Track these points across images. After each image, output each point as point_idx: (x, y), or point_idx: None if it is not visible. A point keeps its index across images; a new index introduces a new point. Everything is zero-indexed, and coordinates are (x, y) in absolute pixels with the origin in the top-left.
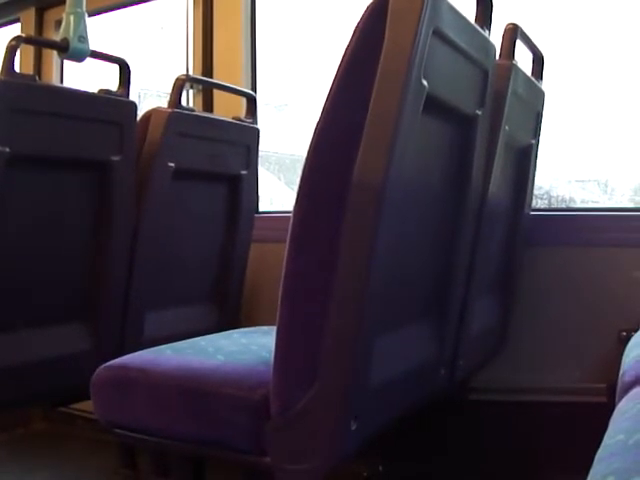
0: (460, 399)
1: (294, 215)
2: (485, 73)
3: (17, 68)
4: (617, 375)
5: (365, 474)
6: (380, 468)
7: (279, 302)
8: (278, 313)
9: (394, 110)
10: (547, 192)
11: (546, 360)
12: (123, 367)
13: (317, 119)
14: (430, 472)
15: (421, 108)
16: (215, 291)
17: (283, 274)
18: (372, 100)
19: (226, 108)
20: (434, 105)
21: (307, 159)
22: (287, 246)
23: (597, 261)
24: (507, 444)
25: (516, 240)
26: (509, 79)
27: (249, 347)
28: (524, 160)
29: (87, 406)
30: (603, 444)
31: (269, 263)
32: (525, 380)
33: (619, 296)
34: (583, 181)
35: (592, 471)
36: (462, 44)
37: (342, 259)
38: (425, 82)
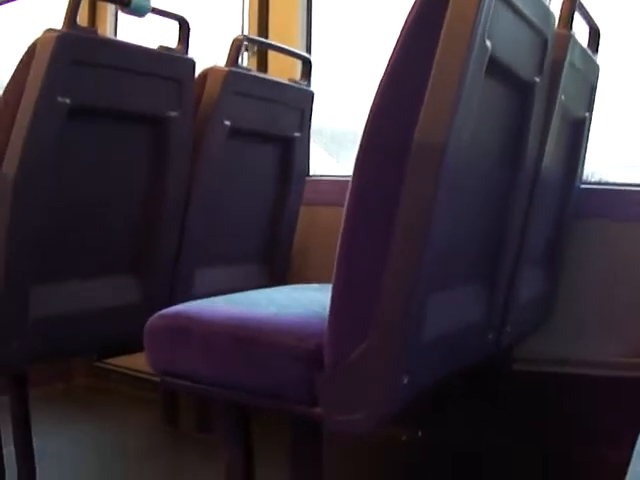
0: (504, 368)
1: (355, 167)
2: (545, 41)
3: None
4: None
5: (404, 438)
6: (419, 433)
7: (337, 253)
8: (335, 266)
9: (458, 69)
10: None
11: (591, 333)
12: (177, 315)
13: (380, 78)
14: (469, 441)
15: (484, 69)
16: (264, 251)
17: (343, 226)
18: (436, 59)
19: (280, 71)
20: (496, 68)
21: (369, 117)
22: (346, 202)
23: None
24: (549, 416)
25: (566, 212)
26: (567, 49)
27: (301, 301)
28: (577, 133)
29: (129, 362)
30: None
31: (319, 226)
32: (569, 352)
33: None
34: (631, 167)
35: None
36: (524, 10)
37: (401, 217)
38: (489, 43)
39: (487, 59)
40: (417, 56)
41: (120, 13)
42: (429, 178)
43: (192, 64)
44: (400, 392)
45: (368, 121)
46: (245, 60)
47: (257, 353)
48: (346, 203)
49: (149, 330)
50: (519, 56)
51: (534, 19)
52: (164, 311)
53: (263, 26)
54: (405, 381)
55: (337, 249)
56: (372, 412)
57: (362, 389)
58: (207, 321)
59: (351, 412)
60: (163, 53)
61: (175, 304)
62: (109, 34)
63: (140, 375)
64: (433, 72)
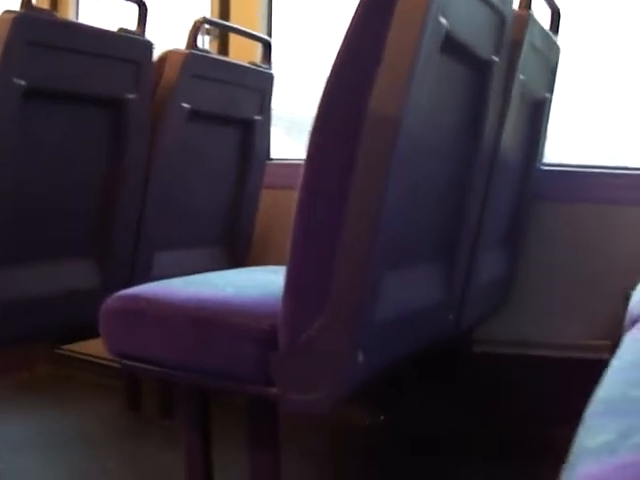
0: (464, 351)
1: (310, 142)
2: (502, 20)
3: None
4: (622, 333)
5: (367, 422)
6: (382, 417)
7: (291, 234)
8: (289, 244)
9: (412, 45)
10: None
11: (551, 316)
12: (133, 296)
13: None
14: (432, 423)
15: (439, 46)
16: (225, 234)
17: (296, 205)
18: (390, 35)
19: (242, 54)
20: (452, 45)
21: (325, 88)
22: (301, 177)
23: (606, 219)
24: (509, 397)
25: (526, 194)
26: (525, 29)
27: (259, 281)
28: (538, 114)
29: (92, 349)
30: (611, 365)
31: (279, 209)
32: (529, 334)
33: (627, 255)
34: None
35: (601, 385)
36: None
37: (354, 192)
38: (444, 20)
39: (442, 36)
40: (372, 32)
41: None
42: (383, 153)
43: (150, 46)
44: (355, 371)
45: (322, 97)
46: (207, 44)
47: (212, 334)
48: (300, 181)
49: (104, 312)
50: (476, 35)
51: None
52: (120, 293)
53: (225, 9)
54: (360, 360)
55: (291, 228)
56: (327, 391)
57: (317, 368)
58: (162, 302)
59: (306, 392)
60: (121, 35)
61: (134, 287)
62: (71, 17)
63: (103, 362)
64: (387, 48)
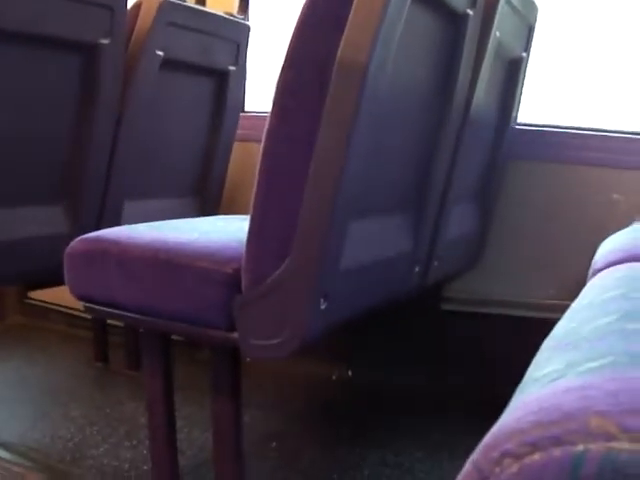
0: (434, 308)
1: (277, 87)
2: None
3: None
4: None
5: (334, 377)
6: (349, 373)
7: (256, 179)
8: (254, 188)
9: None
10: None
11: (521, 275)
12: (97, 239)
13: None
14: (398, 379)
15: None
16: (196, 185)
17: (261, 150)
18: None
19: (219, 4)
20: None
21: (292, 35)
22: (267, 122)
23: (579, 180)
24: (477, 356)
25: (500, 152)
26: None
27: (225, 228)
28: (513, 72)
29: (63, 299)
30: (570, 307)
31: (252, 162)
32: (499, 294)
33: (598, 216)
34: None
35: (557, 325)
36: None
37: (321, 137)
38: None
39: None
40: None
41: None
42: (349, 101)
43: None
44: (318, 317)
45: (290, 43)
46: None
47: (175, 277)
48: (265, 126)
49: (68, 255)
50: None
51: None
52: (84, 236)
53: None
54: (323, 306)
55: (256, 173)
56: (288, 337)
57: (278, 313)
58: (125, 245)
59: (268, 337)
60: None
61: None
62: None
63: (74, 312)
64: None
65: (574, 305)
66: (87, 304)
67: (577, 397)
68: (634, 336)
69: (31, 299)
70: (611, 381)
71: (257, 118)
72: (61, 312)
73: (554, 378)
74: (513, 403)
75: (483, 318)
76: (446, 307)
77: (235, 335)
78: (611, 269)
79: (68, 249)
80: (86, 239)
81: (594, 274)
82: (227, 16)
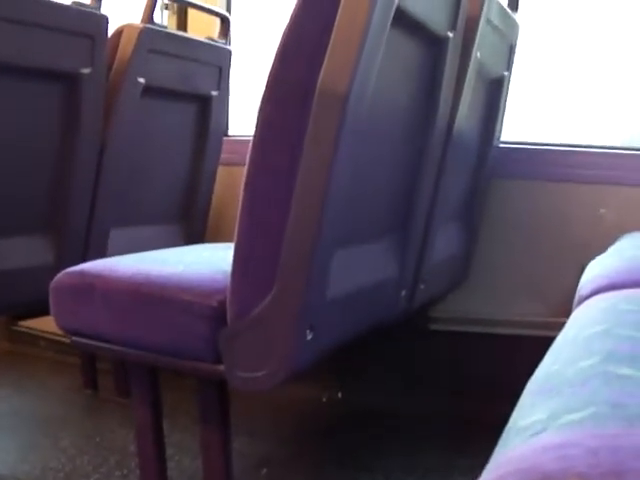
0: (422, 329)
1: (258, 120)
2: None
3: None
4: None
5: (324, 399)
6: (339, 395)
7: (239, 209)
8: (238, 220)
9: (362, 20)
10: None
11: (509, 293)
12: (82, 272)
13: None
14: (389, 402)
15: (390, 21)
16: (181, 212)
17: (244, 181)
18: (340, 8)
19: (200, 30)
20: (404, 20)
21: (273, 65)
22: (249, 154)
23: (564, 196)
24: (466, 376)
25: (483, 171)
26: (482, 5)
27: (210, 259)
28: (495, 91)
29: (51, 327)
30: (555, 342)
31: (236, 186)
32: (487, 312)
33: (584, 232)
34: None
35: (541, 363)
36: None
37: (302, 167)
38: None
39: (393, 10)
40: (321, 6)
41: None
42: (331, 127)
43: (105, 20)
44: (304, 349)
45: (270, 72)
46: (165, 19)
47: (160, 311)
48: (248, 156)
49: (54, 289)
50: (430, 10)
51: None
52: (69, 269)
53: None
54: (309, 337)
55: (239, 204)
56: (275, 369)
57: (264, 346)
58: (110, 278)
59: (254, 369)
60: (75, 8)
61: None
62: None
63: (62, 339)
64: (337, 22)
65: (559, 339)
66: (74, 337)
67: (557, 457)
68: (616, 382)
69: (19, 326)
70: (592, 438)
71: (241, 142)
72: (49, 339)
73: (536, 431)
74: (495, 457)
75: (471, 337)
76: (434, 327)
77: (221, 367)
78: (595, 299)
79: (53, 283)
80: (71, 273)
81: (580, 301)
82: (208, 41)
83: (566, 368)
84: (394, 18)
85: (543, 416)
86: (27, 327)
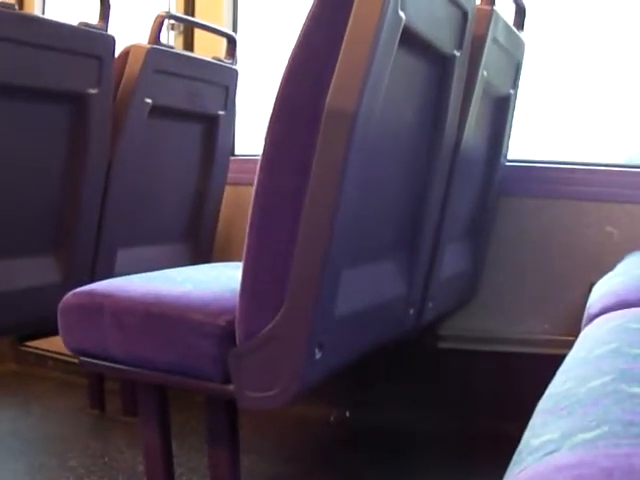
0: (430, 347)
1: (265, 140)
2: (464, 15)
3: None
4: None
5: (332, 418)
6: (347, 414)
7: (247, 229)
8: (246, 240)
9: (370, 40)
10: None
11: (517, 311)
12: (91, 293)
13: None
14: (397, 420)
15: (397, 40)
16: (188, 231)
17: (252, 202)
18: (348, 28)
19: (206, 49)
20: (411, 40)
21: (280, 86)
22: (257, 174)
23: (571, 214)
24: (475, 394)
25: (491, 189)
26: (489, 24)
27: (218, 278)
28: (502, 110)
29: (57, 347)
30: (565, 361)
31: (243, 206)
32: (495, 330)
33: (591, 249)
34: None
35: (552, 381)
36: None
37: (311, 187)
38: (402, 14)
39: (401, 30)
40: (329, 26)
41: None
42: (338, 150)
43: (112, 40)
44: (313, 368)
45: (278, 93)
46: (172, 39)
47: (169, 331)
48: (256, 177)
49: (62, 309)
50: (437, 29)
51: None
52: (78, 290)
53: (189, 4)
54: (318, 356)
55: (247, 224)
56: (284, 388)
57: (273, 365)
58: (119, 298)
59: (263, 388)
60: (82, 29)
61: None
62: (37, 11)
63: (69, 359)
64: (345, 41)
65: (569, 358)
66: (82, 358)
67: (571, 476)
68: (628, 401)
69: (25, 346)
70: (605, 457)
71: (247, 161)
72: (56, 359)
73: (549, 451)
74: (508, 477)
75: (479, 355)
76: (442, 345)
77: (231, 387)
78: (604, 317)
79: (62, 303)
80: (80, 293)
81: (589, 319)
82: (215, 61)
83: (577, 387)
84: (401, 38)
85: (556, 435)
86: (34, 347)
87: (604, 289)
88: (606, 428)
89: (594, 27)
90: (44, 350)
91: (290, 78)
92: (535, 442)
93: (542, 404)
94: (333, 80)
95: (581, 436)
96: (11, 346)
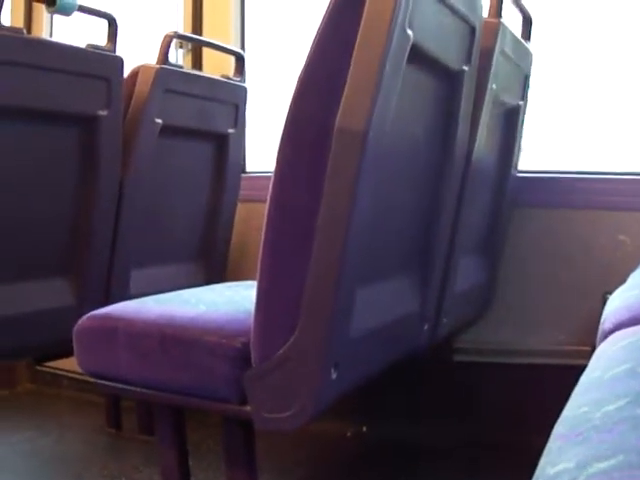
0: (445, 360)
1: (277, 160)
2: (472, 29)
3: (8, 23)
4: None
5: (349, 434)
6: (364, 429)
7: (260, 249)
8: (260, 261)
9: (378, 58)
10: None
11: (531, 322)
12: (106, 316)
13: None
14: (414, 434)
15: (405, 58)
16: (201, 250)
17: (265, 221)
18: (356, 48)
19: (215, 68)
20: (420, 57)
21: (291, 104)
22: (270, 193)
23: (583, 224)
24: (491, 406)
25: (502, 201)
26: (496, 37)
27: (232, 298)
28: (512, 121)
29: (73, 366)
30: (580, 381)
31: (255, 223)
32: (510, 342)
33: (604, 259)
34: None
35: (568, 403)
36: None
37: (324, 205)
38: (410, 32)
39: (409, 48)
40: (337, 46)
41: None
42: (350, 165)
43: (120, 62)
44: (329, 388)
45: (289, 112)
46: (180, 58)
47: (184, 353)
48: (268, 196)
49: (77, 332)
50: (445, 45)
51: (460, 7)
52: (92, 313)
53: (197, 24)
54: (334, 376)
55: (260, 244)
56: (301, 409)
57: (290, 386)
58: (134, 321)
59: (280, 410)
60: (90, 51)
61: (111, 305)
62: (45, 35)
63: (84, 378)
64: (353, 61)
65: (584, 378)
66: (98, 380)
67: None
68: None
69: (41, 366)
70: None
71: (259, 178)
72: (72, 378)
73: None
74: None
75: (495, 367)
76: (458, 358)
77: (247, 408)
78: (618, 335)
79: (77, 326)
80: (95, 316)
81: (604, 335)
82: (224, 79)
83: (593, 412)
84: (409, 55)
85: (571, 465)
86: (50, 367)
87: (617, 303)
88: (622, 457)
89: (603, 34)
90: (60, 369)
91: (300, 97)
92: (551, 471)
93: (558, 428)
94: (342, 99)
95: (597, 466)
96: (27, 366)
